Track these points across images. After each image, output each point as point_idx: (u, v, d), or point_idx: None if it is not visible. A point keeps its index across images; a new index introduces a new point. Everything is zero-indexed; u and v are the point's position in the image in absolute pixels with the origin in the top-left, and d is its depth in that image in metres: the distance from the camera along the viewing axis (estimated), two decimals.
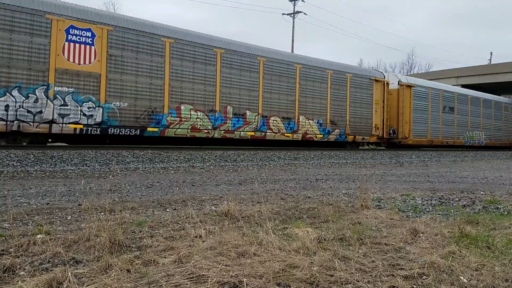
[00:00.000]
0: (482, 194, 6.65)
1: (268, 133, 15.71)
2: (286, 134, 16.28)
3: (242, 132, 14.95)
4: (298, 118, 16.69)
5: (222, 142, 15.33)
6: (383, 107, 20.20)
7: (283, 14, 43.09)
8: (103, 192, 5.85)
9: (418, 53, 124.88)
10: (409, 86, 21.64)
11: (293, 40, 40.84)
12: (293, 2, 41.18)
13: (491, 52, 78.53)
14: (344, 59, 77.97)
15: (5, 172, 7.95)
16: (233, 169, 10.62)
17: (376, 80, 20.00)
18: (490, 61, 57.43)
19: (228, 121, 14.59)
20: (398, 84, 21.32)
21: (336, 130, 18.13)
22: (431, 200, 5.81)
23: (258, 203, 5.12)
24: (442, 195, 6.30)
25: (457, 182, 8.81)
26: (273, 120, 15.89)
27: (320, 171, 10.88)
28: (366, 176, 8.59)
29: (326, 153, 15.42)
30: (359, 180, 6.93)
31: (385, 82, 20.42)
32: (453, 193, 6.62)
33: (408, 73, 65.06)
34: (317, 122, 17.41)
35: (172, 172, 9.51)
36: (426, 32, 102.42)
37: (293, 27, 41.33)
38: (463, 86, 32.19)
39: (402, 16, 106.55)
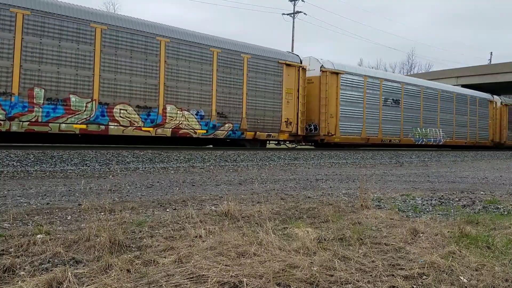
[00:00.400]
0: (482, 194, 6.65)
1: (112, 127, 11.94)
2: (144, 128, 12.57)
3: (63, 124, 11.19)
4: (164, 108, 12.91)
5: (34, 138, 11.56)
6: (298, 97, 16.55)
7: (283, 14, 43.15)
8: (103, 192, 5.85)
9: (418, 53, 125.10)
10: (336, 73, 17.79)
11: (293, 40, 40.90)
12: (293, 2, 41.22)
13: (491, 52, 78.59)
14: (344, 59, 77.98)
15: (5, 172, 7.95)
16: (233, 169, 10.62)
17: (288, 65, 16.27)
18: (490, 61, 57.46)
19: (36, 109, 10.79)
20: (321, 71, 17.52)
21: (227, 125, 14.40)
22: (431, 200, 5.81)
23: (258, 203, 5.13)
24: (442, 195, 6.30)
25: (457, 182, 8.81)
26: (121, 109, 12.12)
27: (320, 171, 10.89)
28: (366, 176, 8.59)
29: (326, 153, 15.42)
30: (359, 180, 6.94)
31: (301, 67, 16.74)
32: (453, 193, 6.62)
33: (408, 73, 64.58)
34: (197, 114, 13.68)
35: (172, 172, 9.51)
36: (426, 32, 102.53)
37: (293, 27, 41.38)
38: (463, 86, 32.16)
39: (402, 16, 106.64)
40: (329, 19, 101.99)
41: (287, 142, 17.59)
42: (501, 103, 28.67)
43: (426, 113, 22.36)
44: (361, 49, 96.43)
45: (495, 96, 28.92)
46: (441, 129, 23.26)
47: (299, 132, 16.69)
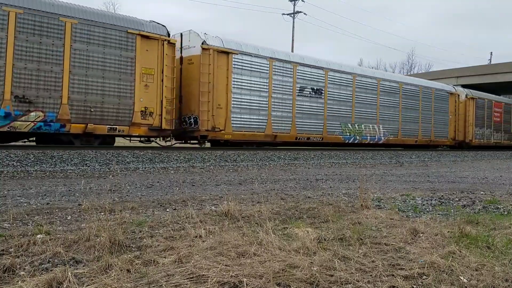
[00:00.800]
0: (482, 194, 6.65)
1: None
2: None
3: None
4: None
5: None
6: (163, 80, 12.66)
7: (283, 14, 43.13)
8: (103, 192, 5.86)
9: (418, 53, 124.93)
10: (226, 52, 14.04)
11: (293, 40, 40.88)
12: (293, 2, 41.20)
13: (491, 52, 78.33)
14: (344, 59, 78.05)
15: (5, 172, 7.95)
16: (233, 169, 10.63)
17: (145, 37, 12.37)
18: (490, 61, 57.42)
19: None
20: (201, 48, 13.59)
21: (33, 113, 10.60)
22: (431, 200, 5.81)
23: (258, 203, 5.13)
24: (442, 195, 6.30)
25: (457, 182, 8.81)
26: None
27: (320, 171, 10.89)
28: (366, 176, 8.59)
29: (326, 153, 15.43)
30: (359, 180, 6.94)
31: (167, 41, 12.78)
32: (453, 193, 6.63)
33: (408, 73, 64.30)
34: None
35: (172, 172, 9.51)
36: (426, 32, 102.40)
37: (293, 27, 41.36)
38: (463, 86, 32.08)
39: (402, 16, 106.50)
40: (329, 19, 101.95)
41: (157, 139, 13.68)
42: (466, 96, 24.93)
43: (361, 106, 18.76)
44: (361, 49, 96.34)
45: (459, 87, 25.79)
46: (381, 126, 19.68)
47: (164, 126, 12.77)
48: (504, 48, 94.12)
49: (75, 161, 9.36)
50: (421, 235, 3.57)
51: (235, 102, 14.32)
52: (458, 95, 24.58)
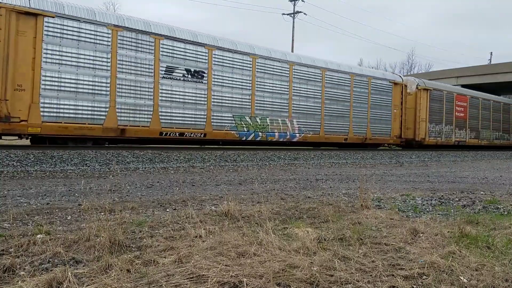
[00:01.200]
0: (482, 194, 6.65)
1: None
2: None
3: None
4: None
5: None
6: None
7: (283, 14, 43.14)
8: (103, 192, 5.86)
9: (418, 53, 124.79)
10: (32, 14, 10.30)
11: (293, 40, 40.88)
12: (293, 2, 41.21)
13: (491, 52, 78.24)
14: (344, 59, 77.91)
15: (5, 172, 7.95)
16: (233, 169, 10.63)
17: None
18: (490, 61, 57.41)
19: None
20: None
21: None
22: (431, 200, 5.81)
23: (258, 203, 5.13)
24: (442, 195, 6.30)
25: (457, 182, 8.81)
26: None
27: (320, 171, 10.89)
28: (366, 176, 8.59)
29: (326, 153, 15.43)
30: (359, 180, 6.94)
31: None
32: (453, 193, 6.63)
33: (408, 73, 64.03)
34: None
35: (172, 172, 9.51)
36: (426, 32, 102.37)
37: (293, 27, 41.36)
38: (463, 86, 32.06)
39: (402, 16, 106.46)
40: (329, 19, 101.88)
41: None
42: (417, 87, 21.24)
43: (266, 95, 15.23)
44: (361, 49, 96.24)
45: (409, 78, 22.40)
46: (295, 120, 16.13)
47: None
48: (504, 48, 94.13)
49: (75, 161, 9.36)
50: (421, 235, 3.57)
51: (48, 83, 10.62)
52: (405, 86, 20.71)
